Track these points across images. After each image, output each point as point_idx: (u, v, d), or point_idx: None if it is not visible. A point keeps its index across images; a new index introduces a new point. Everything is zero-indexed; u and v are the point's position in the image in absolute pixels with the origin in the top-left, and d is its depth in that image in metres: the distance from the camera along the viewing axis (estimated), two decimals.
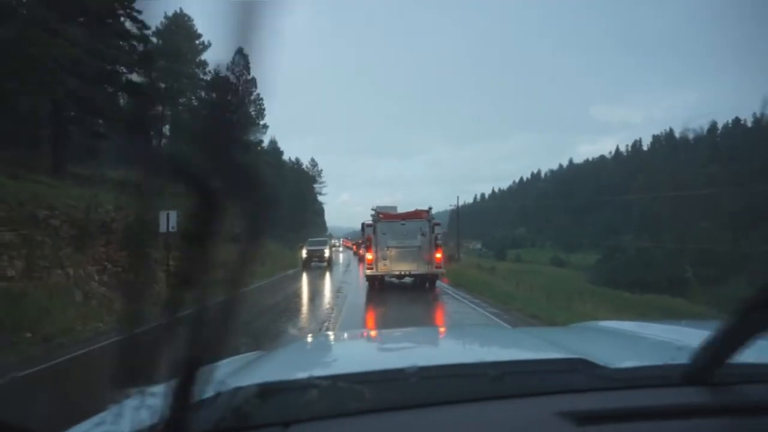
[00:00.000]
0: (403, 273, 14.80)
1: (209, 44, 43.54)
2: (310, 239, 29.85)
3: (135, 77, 20.01)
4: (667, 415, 0.81)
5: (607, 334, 1.57)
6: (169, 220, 13.02)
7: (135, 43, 18.97)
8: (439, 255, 14.66)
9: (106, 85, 18.19)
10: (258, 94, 45.76)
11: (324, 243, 28.00)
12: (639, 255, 55.28)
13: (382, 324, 9.24)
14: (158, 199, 0.64)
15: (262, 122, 46.03)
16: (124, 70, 19.06)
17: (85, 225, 11.52)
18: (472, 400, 0.85)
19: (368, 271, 14.79)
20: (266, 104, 49.50)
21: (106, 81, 17.91)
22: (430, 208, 15.42)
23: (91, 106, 17.21)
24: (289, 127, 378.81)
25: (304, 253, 26.07)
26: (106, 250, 11.96)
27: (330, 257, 26.65)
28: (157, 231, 14.18)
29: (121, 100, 21.95)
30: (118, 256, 12.67)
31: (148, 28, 19.01)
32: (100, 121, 19.43)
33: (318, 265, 25.38)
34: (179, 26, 39.01)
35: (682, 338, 1.20)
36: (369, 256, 14.78)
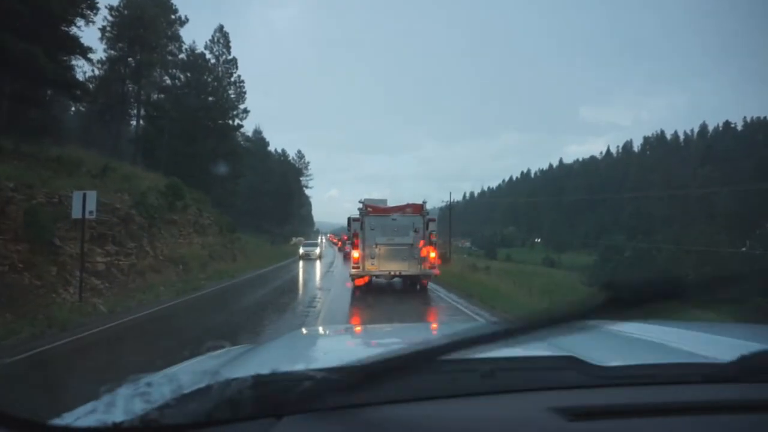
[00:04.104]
0: (393, 273, 13.27)
1: (186, 19, 39.74)
2: None
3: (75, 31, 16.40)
4: (657, 412, 0.82)
5: (596, 333, 1.51)
6: (86, 203, 9.75)
7: None
8: (433, 254, 13.21)
9: (32, 37, 14.69)
10: (239, 76, 42.38)
11: None
12: (638, 256, 53.15)
13: None
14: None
15: (242, 106, 42.59)
16: (60, 23, 15.57)
17: None
18: (464, 395, 0.86)
19: (353, 271, 13.23)
20: (250, 92, 45.93)
21: (30, 32, 14.41)
22: (425, 202, 13.57)
23: (8, 61, 13.71)
24: (278, 120, 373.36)
25: None
26: None
27: None
28: (69, 217, 10.92)
29: (85, 70, 18.44)
30: (12, 248, 9.39)
31: None
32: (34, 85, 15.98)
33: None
34: None
35: (670, 338, 1.21)
36: (355, 254, 13.20)
